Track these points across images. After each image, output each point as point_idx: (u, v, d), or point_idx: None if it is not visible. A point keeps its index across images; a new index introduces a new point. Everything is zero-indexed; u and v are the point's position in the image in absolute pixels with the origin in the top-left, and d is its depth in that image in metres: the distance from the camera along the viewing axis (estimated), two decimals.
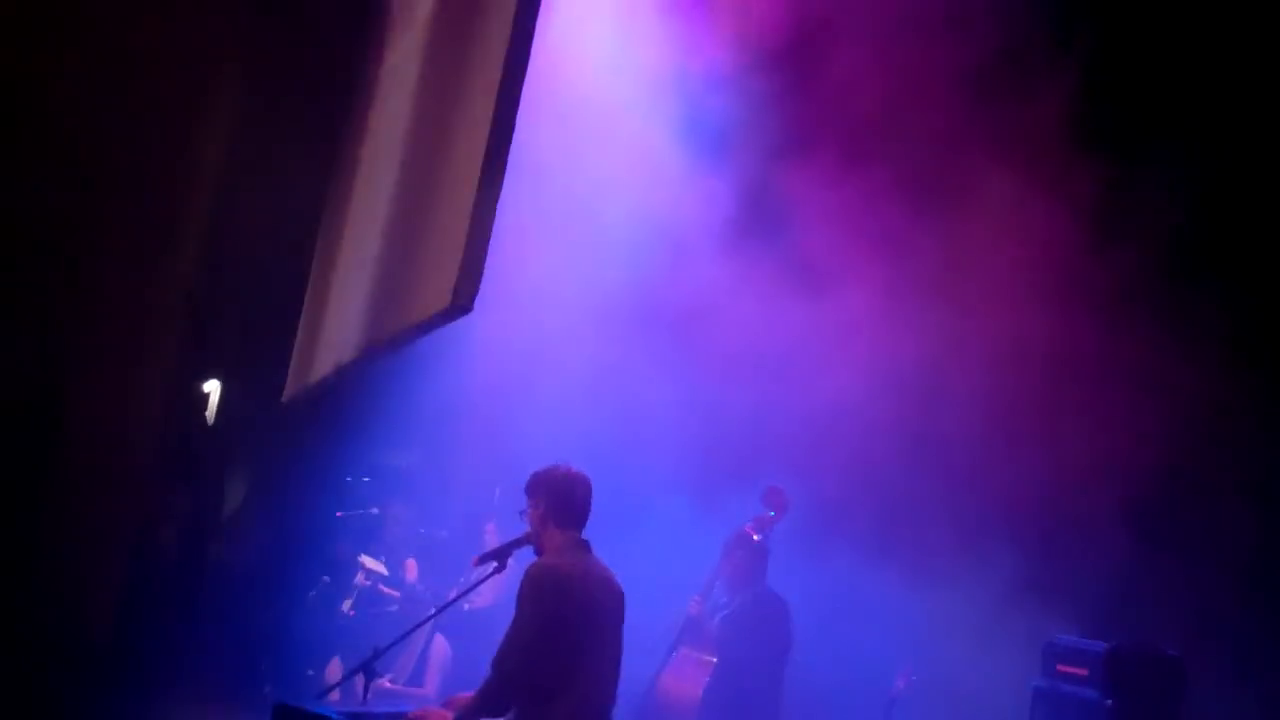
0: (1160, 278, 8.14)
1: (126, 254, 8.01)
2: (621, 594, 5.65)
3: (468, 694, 5.46)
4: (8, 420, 7.66)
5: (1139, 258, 8.16)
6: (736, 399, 8.65)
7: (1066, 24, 8.60)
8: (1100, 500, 8.22)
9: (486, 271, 4.90)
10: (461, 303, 4.94)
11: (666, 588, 7.72)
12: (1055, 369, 8.36)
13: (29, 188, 7.71)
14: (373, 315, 6.33)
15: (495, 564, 5.76)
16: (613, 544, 5.78)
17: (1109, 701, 6.49)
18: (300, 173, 8.44)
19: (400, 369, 8.00)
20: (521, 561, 5.64)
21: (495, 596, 8.57)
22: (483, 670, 5.42)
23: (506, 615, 5.42)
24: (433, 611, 6.80)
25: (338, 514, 9.40)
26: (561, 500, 5.58)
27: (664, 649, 7.70)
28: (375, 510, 9.51)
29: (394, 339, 6.05)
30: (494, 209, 4.94)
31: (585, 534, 5.64)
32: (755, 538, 7.71)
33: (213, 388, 8.77)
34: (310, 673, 8.62)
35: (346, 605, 9.05)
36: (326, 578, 9.13)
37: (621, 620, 5.64)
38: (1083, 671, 6.69)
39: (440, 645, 8.58)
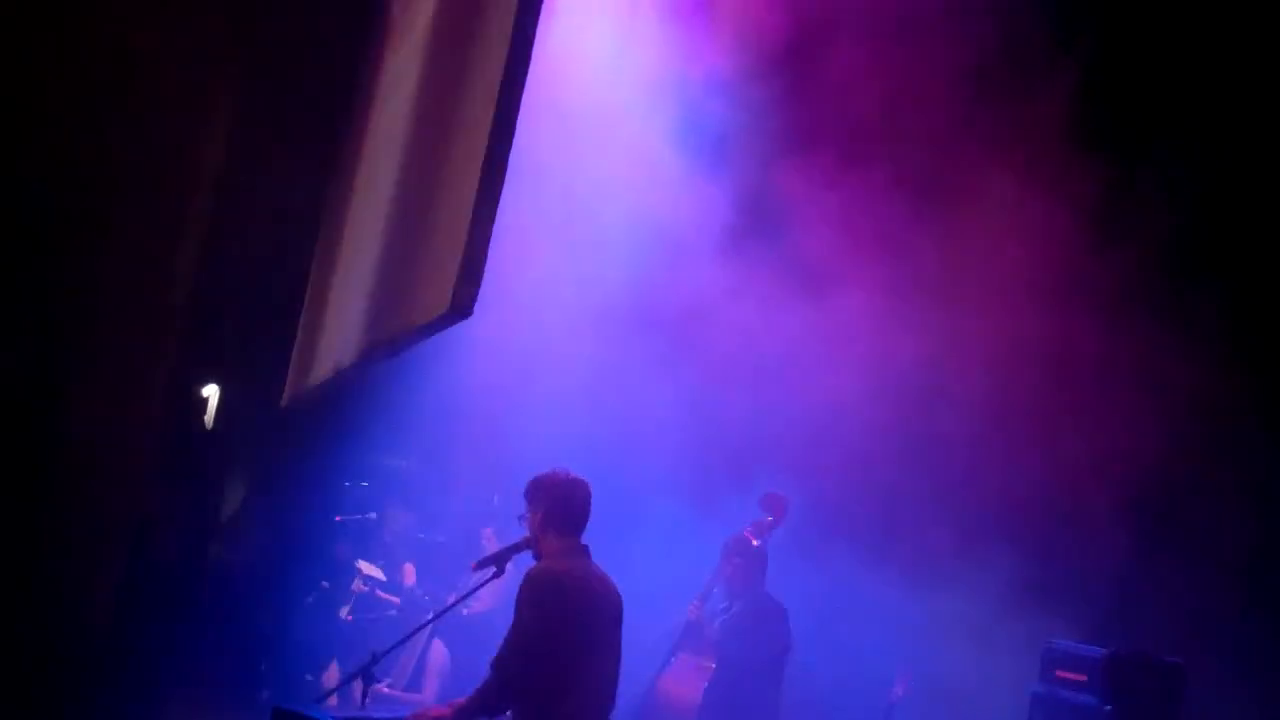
0: (1160, 278, 8.14)
1: (126, 255, 7.99)
2: (620, 599, 5.67)
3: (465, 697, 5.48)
4: (6, 420, 7.65)
5: (1139, 258, 8.16)
6: (735, 401, 8.66)
7: (1066, 24, 8.59)
8: (1099, 501, 8.22)
9: (486, 274, 4.89)
10: (461, 306, 4.92)
11: (664, 590, 7.73)
12: (1055, 370, 8.37)
13: (28, 189, 7.70)
14: (372, 318, 6.32)
15: (494, 569, 5.77)
16: (611, 546, 5.79)
17: (1108, 707, 6.49)
18: (300, 174, 8.42)
19: (399, 371, 7.99)
20: (520, 566, 5.65)
21: (494, 601, 8.56)
22: (481, 675, 5.43)
23: (505, 620, 5.44)
24: (431, 616, 6.81)
25: (336, 518, 9.39)
26: (560, 505, 5.59)
27: (663, 653, 7.70)
28: (374, 515, 9.51)
29: (393, 342, 6.04)
30: (494, 212, 4.92)
31: (584, 537, 5.65)
32: (754, 542, 7.71)
33: (212, 390, 8.75)
34: (308, 677, 8.62)
35: (344, 611, 9.05)
36: (325, 582, 9.12)
37: (620, 624, 5.66)
38: (1081, 677, 6.69)
39: (439, 650, 8.58)
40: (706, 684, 7.46)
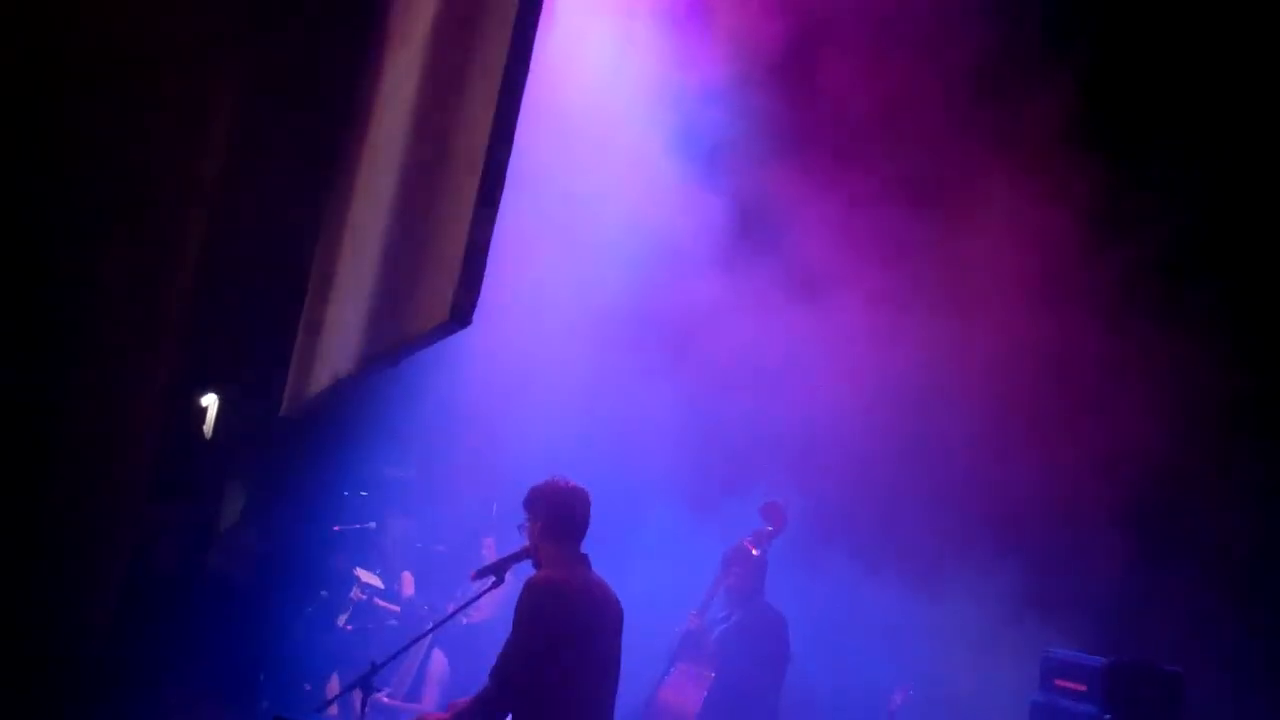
0: (1160, 279, 8.15)
1: (124, 264, 7.99)
2: (620, 607, 5.66)
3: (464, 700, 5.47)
4: (4, 428, 7.65)
5: (1138, 259, 8.17)
6: (733, 407, 8.65)
7: (1064, 26, 8.61)
8: (1099, 507, 8.21)
9: (485, 282, 4.90)
10: (461, 315, 4.92)
11: (663, 598, 7.71)
12: (1054, 374, 8.37)
13: (27, 194, 7.70)
14: (371, 327, 6.32)
15: (494, 578, 5.75)
16: (609, 554, 5.78)
17: (1107, 717, 6.47)
18: (299, 182, 8.43)
19: (397, 380, 7.98)
20: (520, 575, 5.64)
21: (494, 610, 8.54)
22: (481, 685, 5.41)
23: (505, 629, 5.43)
24: (431, 625, 6.79)
25: (335, 528, 9.37)
26: (560, 515, 5.59)
27: (662, 662, 7.69)
28: (373, 524, 9.49)
29: (393, 351, 6.04)
30: (493, 222, 4.93)
31: (584, 545, 5.65)
32: (754, 552, 7.69)
33: (211, 398, 8.75)
34: (308, 687, 8.59)
35: (342, 619, 9.03)
36: (324, 592, 9.10)
37: (620, 633, 5.65)
38: (1081, 686, 6.66)
39: (439, 660, 8.56)
40: (706, 693, 7.44)
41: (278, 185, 8.42)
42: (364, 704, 5.66)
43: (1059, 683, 6.84)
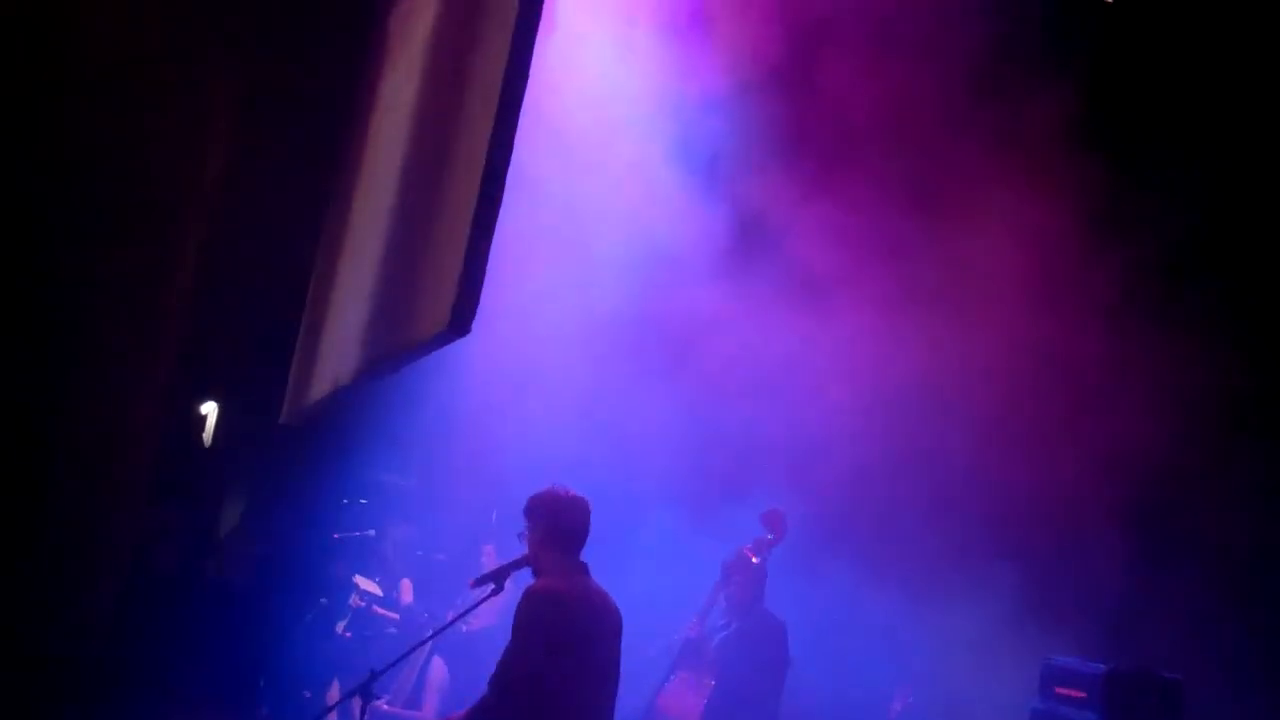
0: (1160, 281, 8.15)
1: (124, 272, 8.00)
2: (619, 616, 5.65)
3: (462, 712, 5.46)
4: (4, 428, 7.65)
5: (1138, 261, 8.17)
6: (733, 415, 8.64)
7: (1064, 28, 8.62)
8: (1100, 512, 8.21)
9: (484, 290, 4.90)
10: (460, 324, 4.93)
11: (662, 606, 7.70)
12: (1054, 377, 8.37)
13: (28, 194, 7.70)
14: (371, 335, 6.32)
15: (493, 585, 5.74)
16: (609, 562, 5.78)
17: None
18: (299, 190, 8.44)
19: (398, 387, 7.99)
20: (520, 583, 5.63)
21: (493, 618, 8.53)
22: (480, 693, 5.41)
23: (504, 637, 5.42)
24: (430, 633, 6.78)
25: (335, 535, 9.37)
26: (560, 523, 5.58)
27: (662, 671, 7.67)
28: (372, 532, 9.49)
29: (392, 359, 6.04)
30: (492, 230, 4.93)
31: (583, 552, 5.64)
32: (754, 560, 7.68)
33: (210, 406, 8.76)
34: (308, 694, 8.58)
35: (341, 627, 9.02)
36: (324, 599, 9.10)
37: (619, 641, 5.65)
38: (1081, 694, 6.65)
39: (438, 667, 8.55)
40: (706, 701, 7.43)
41: (278, 187, 8.43)
42: (363, 711, 5.66)
43: (1059, 690, 6.83)
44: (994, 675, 7.78)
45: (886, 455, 8.50)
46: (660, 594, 7.65)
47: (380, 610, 9.04)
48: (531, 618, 5.36)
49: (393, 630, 8.88)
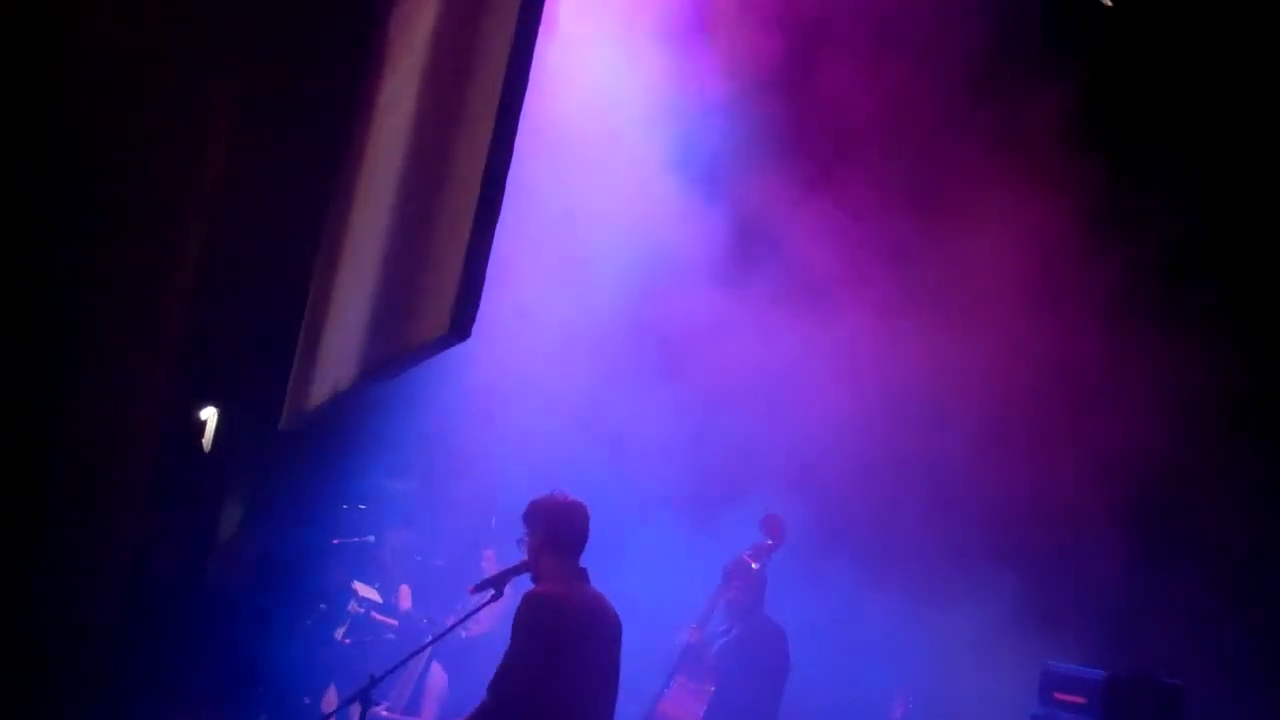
0: (1160, 282, 8.15)
1: (123, 274, 7.99)
2: (619, 621, 5.66)
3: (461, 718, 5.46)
4: (4, 428, 7.65)
5: (1138, 261, 8.17)
6: (733, 420, 8.64)
7: (1064, 28, 8.61)
8: (1100, 516, 8.21)
9: (484, 295, 4.89)
10: (460, 328, 4.92)
11: (661, 611, 7.70)
12: (1054, 376, 8.36)
13: (28, 194, 7.69)
14: (371, 340, 6.31)
15: (492, 591, 5.74)
16: (608, 568, 5.78)
17: None
18: (298, 194, 8.42)
19: (397, 392, 7.98)
20: (519, 589, 5.63)
21: (492, 624, 8.52)
22: (480, 698, 5.41)
23: (504, 643, 5.42)
24: (429, 639, 6.77)
25: (334, 541, 9.35)
26: (559, 528, 5.58)
27: (661, 676, 7.67)
28: (371, 538, 9.47)
29: (392, 364, 6.03)
30: (492, 235, 4.93)
31: (583, 558, 5.64)
32: (754, 566, 7.67)
33: (210, 411, 8.73)
34: (307, 700, 8.57)
35: (340, 633, 9.01)
36: (323, 605, 9.09)
37: (618, 647, 5.65)
38: (1080, 699, 6.65)
39: (437, 673, 8.53)
40: (706, 707, 7.43)
41: (278, 187, 8.41)
42: (363, 717, 5.65)
43: (1058, 695, 6.83)
44: (994, 676, 7.78)
45: (887, 457, 8.51)
46: (660, 600, 7.65)
47: (379, 616, 9.03)
48: (531, 623, 5.36)
49: (391, 636, 8.87)
